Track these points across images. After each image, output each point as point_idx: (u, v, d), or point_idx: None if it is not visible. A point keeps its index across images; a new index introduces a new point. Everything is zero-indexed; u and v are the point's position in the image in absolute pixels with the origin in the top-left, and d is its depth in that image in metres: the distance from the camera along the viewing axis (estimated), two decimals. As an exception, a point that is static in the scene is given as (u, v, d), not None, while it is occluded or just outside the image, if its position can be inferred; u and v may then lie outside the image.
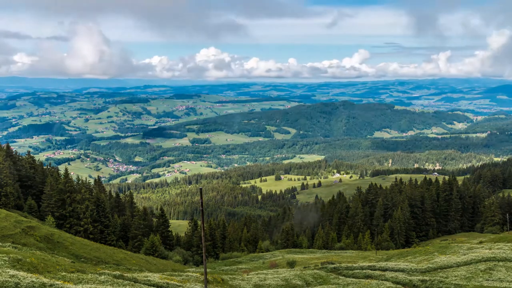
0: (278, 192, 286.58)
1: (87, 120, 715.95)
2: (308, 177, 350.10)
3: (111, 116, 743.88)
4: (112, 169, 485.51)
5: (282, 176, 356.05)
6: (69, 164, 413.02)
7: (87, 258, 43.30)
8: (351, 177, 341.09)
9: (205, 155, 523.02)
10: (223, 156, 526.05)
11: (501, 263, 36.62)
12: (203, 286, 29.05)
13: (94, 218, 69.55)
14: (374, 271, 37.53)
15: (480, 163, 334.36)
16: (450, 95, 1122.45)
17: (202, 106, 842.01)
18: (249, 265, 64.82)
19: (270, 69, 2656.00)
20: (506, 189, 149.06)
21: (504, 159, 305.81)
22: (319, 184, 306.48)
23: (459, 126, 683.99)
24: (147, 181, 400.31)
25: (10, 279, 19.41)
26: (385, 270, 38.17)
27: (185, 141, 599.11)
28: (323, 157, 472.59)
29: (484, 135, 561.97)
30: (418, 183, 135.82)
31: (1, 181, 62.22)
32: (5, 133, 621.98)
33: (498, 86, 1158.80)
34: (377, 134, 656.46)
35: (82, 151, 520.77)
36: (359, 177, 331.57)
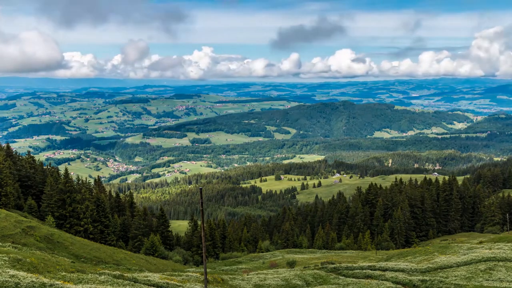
0: (278, 192, 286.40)
1: (87, 120, 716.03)
2: (308, 177, 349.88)
3: (111, 116, 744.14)
4: (112, 169, 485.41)
5: (282, 176, 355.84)
6: (69, 164, 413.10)
7: (87, 258, 43.30)
8: (351, 177, 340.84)
9: (205, 155, 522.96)
10: (223, 156, 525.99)
11: (501, 263, 36.62)
12: (203, 286, 29.05)
13: (94, 218, 69.53)
14: (374, 271, 37.53)
15: (480, 163, 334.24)
16: (450, 95, 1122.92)
17: (202, 106, 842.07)
18: (249, 265, 64.82)
19: (265, 68, 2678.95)
20: (506, 189, 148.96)
21: (504, 159, 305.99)
22: (319, 184, 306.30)
23: (459, 126, 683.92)
24: (147, 181, 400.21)
25: (10, 279, 19.41)
26: (385, 270, 38.18)
27: (185, 141, 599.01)
28: (323, 157, 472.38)
29: (484, 135, 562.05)
30: (418, 183, 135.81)
31: (1, 181, 62.21)
32: (5, 133, 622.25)
33: (498, 86, 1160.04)
34: (377, 134, 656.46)
35: (82, 151, 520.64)
36: (359, 177, 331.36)
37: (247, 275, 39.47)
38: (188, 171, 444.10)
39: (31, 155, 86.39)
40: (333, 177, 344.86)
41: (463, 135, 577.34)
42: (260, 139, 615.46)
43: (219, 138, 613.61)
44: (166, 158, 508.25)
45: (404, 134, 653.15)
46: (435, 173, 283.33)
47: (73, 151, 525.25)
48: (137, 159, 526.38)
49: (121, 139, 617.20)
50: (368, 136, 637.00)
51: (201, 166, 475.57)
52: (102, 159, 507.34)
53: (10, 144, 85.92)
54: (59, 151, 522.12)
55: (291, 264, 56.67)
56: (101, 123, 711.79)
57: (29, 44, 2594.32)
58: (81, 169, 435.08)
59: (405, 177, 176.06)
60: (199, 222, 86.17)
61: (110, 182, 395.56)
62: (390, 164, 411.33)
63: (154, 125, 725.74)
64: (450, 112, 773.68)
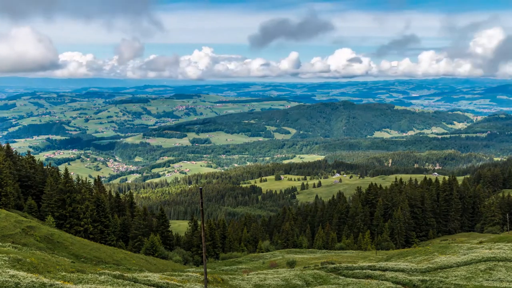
0: (278, 192, 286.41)
1: (87, 120, 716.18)
2: (308, 177, 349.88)
3: (111, 116, 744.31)
4: (112, 169, 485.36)
5: (282, 176, 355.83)
6: (69, 164, 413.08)
7: (87, 258, 43.30)
8: (351, 177, 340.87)
9: (205, 155, 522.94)
10: (223, 156, 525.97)
11: (501, 263, 36.62)
12: (203, 286, 29.05)
13: (94, 218, 69.52)
14: (374, 271, 37.53)
15: (480, 163, 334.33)
16: (450, 95, 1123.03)
17: (202, 106, 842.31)
18: (249, 265, 64.82)
19: (263, 68, 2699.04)
20: (506, 189, 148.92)
21: (504, 159, 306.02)
22: (319, 184, 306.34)
23: (459, 126, 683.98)
24: (147, 181, 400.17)
25: (10, 279, 19.42)
26: (385, 270, 38.17)
27: (185, 141, 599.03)
28: (323, 157, 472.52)
29: (484, 135, 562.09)
30: (418, 183, 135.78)
31: (1, 181, 62.20)
32: (5, 133, 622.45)
33: (498, 86, 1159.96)
34: (377, 134, 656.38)
35: (82, 151, 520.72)
36: (359, 177, 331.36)
37: (247, 275, 39.47)
38: (188, 171, 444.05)
39: (31, 155, 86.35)
40: (333, 177, 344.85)
41: (463, 135, 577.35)
42: (260, 139, 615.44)
43: (219, 138, 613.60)
44: (166, 158, 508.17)
45: (404, 134, 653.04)
46: (435, 173, 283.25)
47: (73, 151, 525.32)
48: (137, 159, 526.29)
49: (121, 139, 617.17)
50: (368, 136, 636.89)
51: (201, 166, 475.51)
52: (102, 159, 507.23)
53: (10, 144, 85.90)
54: (59, 151, 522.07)
55: (291, 264, 56.67)
56: (101, 123, 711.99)
57: (22, 43, 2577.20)
58: (81, 169, 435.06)
59: (405, 177, 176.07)
60: (199, 222, 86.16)
61: (110, 182, 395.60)
62: (390, 164, 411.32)
63: (154, 125, 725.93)
64: (450, 112, 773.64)
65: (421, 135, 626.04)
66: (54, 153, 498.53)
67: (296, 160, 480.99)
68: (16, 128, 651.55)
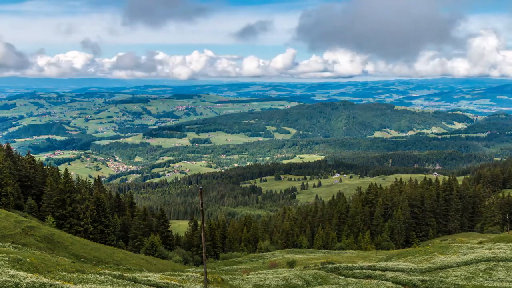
0: (278, 192, 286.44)
1: (87, 120, 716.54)
2: (308, 177, 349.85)
3: (111, 116, 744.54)
4: (112, 169, 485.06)
5: (282, 176, 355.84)
6: (69, 164, 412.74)
7: (87, 258, 43.30)
8: (351, 177, 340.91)
9: (205, 155, 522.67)
10: (223, 156, 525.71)
11: (501, 263, 36.63)
12: (203, 286, 29.06)
13: (94, 218, 69.51)
14: (374, 271, 37.53)
15: (480, 163, 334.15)
16: (450, 95, 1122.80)
17: (202, 106, 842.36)
18: (249, 265, 64.82)
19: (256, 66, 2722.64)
20: (506, 189, 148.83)
21: (504, 159, 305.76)
22: (319, 184, 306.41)
23: (459, 126, 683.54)
24: (147, 181, 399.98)
25: (10, 279, 19.42)
26: (385, 270, 38.18)
27: (185, 141, 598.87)
28: (323, 157, 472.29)
29: (484, 135, 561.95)
30: (418, 183, 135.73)
31: (1, 181, 62.19)
32: (5, 133, 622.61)
33: (498, 86, 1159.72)
34: (377, 134, 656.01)
35: (82, 151, 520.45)
36: (359, 177, 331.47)
37: (247, 275, 39.47)
38: (188, 171, 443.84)
39: (31, 155, 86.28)
40: (333, 177, 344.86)
41: (463, 135, 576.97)
42: (260, 139, 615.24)
43: (219, 138, 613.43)
44: (166, 158, 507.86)
45: (404, 134, 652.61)
46: (435, 173, 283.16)
47: (73, 151, 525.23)
48: (137, 159, 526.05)
49: (121, 139, 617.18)
50: (368, 136, 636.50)
51: (201, 166, 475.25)
52: (102, 159, 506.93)
53: (10, 144, 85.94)
54: (59, 151, 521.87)
55: (291, 264, 56.68)
56: (101, 123, 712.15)
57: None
58: (81, 169, 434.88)
59: (405, 177, 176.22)
60: (199, 222, 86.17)
61: (110, 182, 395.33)
62: (390, 164, 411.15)
63: (154, 125, 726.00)
64: (450, 112, 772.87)
65: (421, 135, 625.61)
66: (54, 153, 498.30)
67: (296, 160, 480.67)
68: (16, 128, 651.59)
